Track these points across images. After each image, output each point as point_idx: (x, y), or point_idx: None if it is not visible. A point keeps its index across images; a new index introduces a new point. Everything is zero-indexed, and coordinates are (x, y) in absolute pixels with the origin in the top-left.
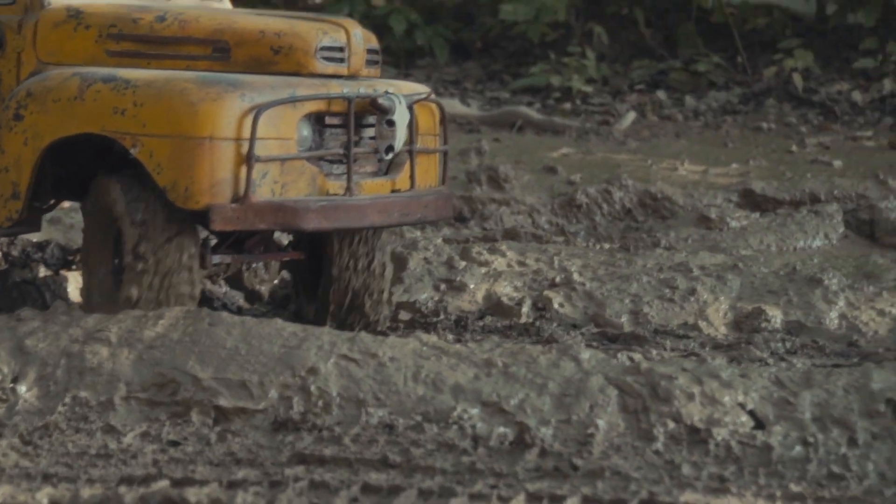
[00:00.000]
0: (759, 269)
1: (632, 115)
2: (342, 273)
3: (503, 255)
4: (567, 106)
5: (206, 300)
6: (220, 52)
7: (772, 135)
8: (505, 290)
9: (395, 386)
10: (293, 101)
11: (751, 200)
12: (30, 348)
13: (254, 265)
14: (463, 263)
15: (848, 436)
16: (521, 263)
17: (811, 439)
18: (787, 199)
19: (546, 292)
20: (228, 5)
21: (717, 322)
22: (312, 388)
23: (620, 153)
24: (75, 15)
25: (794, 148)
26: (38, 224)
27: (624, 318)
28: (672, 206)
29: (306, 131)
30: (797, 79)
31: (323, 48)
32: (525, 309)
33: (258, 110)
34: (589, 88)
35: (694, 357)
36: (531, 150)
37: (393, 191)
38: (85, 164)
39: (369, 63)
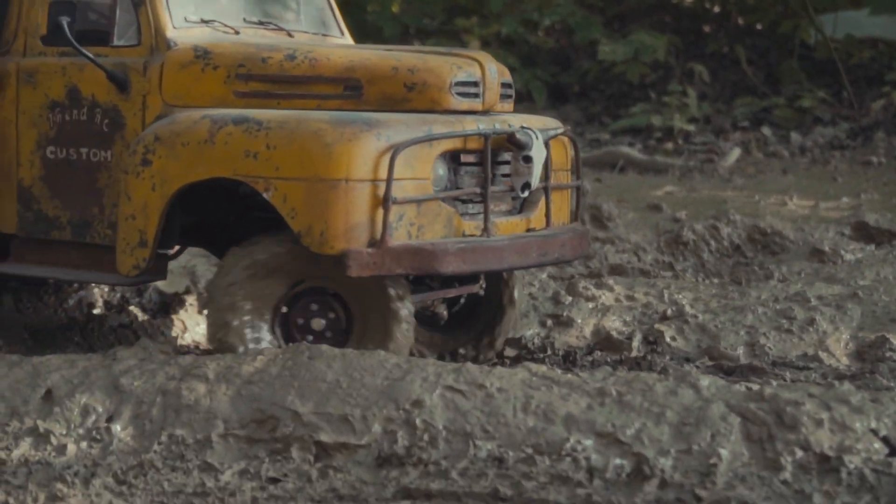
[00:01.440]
0: (879, 298)
1: (736, 152)
2: (505, 304)
3: (611, 289)
4: (669, 145)
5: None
6: (351, 90)
7: (882, 168)
8: (614, 324)
9: (504, 417)
10: (430, 139)
11: (864, 233)
12: (125, 386)
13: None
14: (569, 298)
15: None
16: (630, 297)
17: None
18: None
19: (657, 325)
20: (350, 41)
21: (839, 352)
22: (417, 421)
23: (726, 190)
24: (203, 55)
25: None
26: (164, 272)
27: (740, 351)
28: (783, 241)
29: (442, 170)
30: None
31: (457, 83)
32: (636, 343)
33: (395, 150)
34: (691, 127)
35: (823, 382)
36: (634, 189)
37: (528, 230)
38: (212, 209)
39: (503, 98)
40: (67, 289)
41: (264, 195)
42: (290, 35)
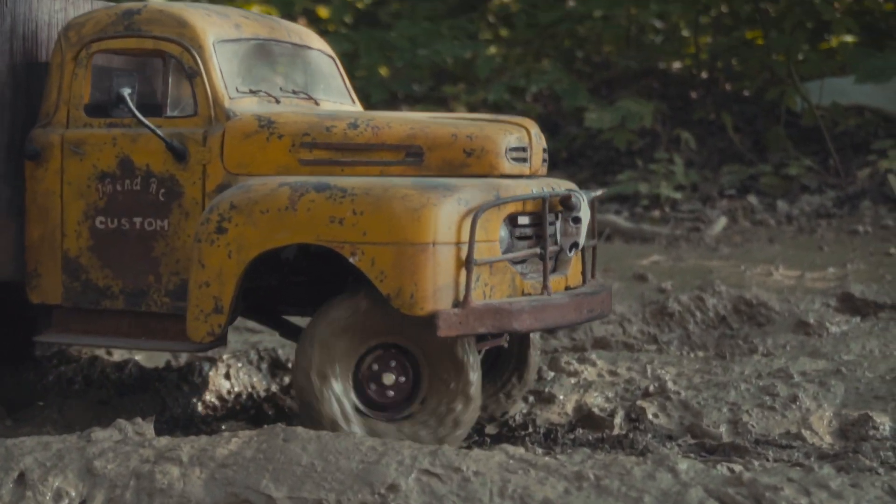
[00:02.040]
0: (863, 374)
1: (723, 221)
2: (529, 356)
3: (593, 364)
4: (656, 213)
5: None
6: (413, 156)
7: (869, 238)
8: (596, 400)
9: (481, 502)
10: (502, 202)
11: (850, 305)
12: (98, 469)
13: None
14: (552, 374)
15: None
16: (613, 373)
17: None
18: (889, 303)
19: (639, 402)
20: (360, 108)
21: (822, 430)
22: None
23: (712, 259)
24: (267, 125)
25: (892, 250)
26: (225, 339)
27: (722, 428)
28: (768, 312)
29: (504, 232)
30: (892, 180)
31: (511, 149)
32: (618, 420)
33: (476, 213)
34: (678, 195)
35: (799, 466)
36: (620, 257)
37: (566, 287)
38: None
39: (543, 161)
40: (48, 365)
41: (350, 259)
42: (317, 104)
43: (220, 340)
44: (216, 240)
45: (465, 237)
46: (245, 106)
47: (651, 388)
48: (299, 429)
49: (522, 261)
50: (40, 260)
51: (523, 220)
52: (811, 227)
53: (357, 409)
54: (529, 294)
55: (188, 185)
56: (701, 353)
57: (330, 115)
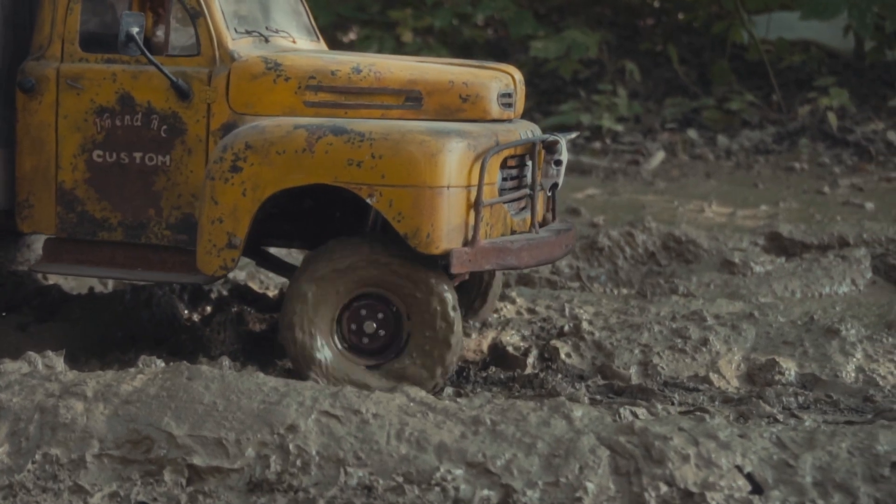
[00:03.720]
0: (775, 319)
1: (661, 155)
2: (493, 290)
3: (513, 301)
4: (597, 145)
5: None
6: (412, 100)
7: (804, 175)
8: (511, 339)
9: (378, 444)
10: (504, 147)
11: (777, 244)
12: (4, 402)
13: None
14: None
15: (850, 502)
16: (531, 311)
17: None
18: (815, 243)
19: (553, 342)
20: (324, 46)
21: (729, 374)
22: (291, 446)
23: (647, 194)
24: (274, 67)
25: (826, 189)
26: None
27: (633, 370)
28: (696, 250)
29: (499, 175)
30: (832, 118)
31: (501, 95)
32: (531, 359)
33: (485, 158)
34: (619, 127)
35: (694, 415)
36: None
37: (531, 227)
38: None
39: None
40: None
41: (368, 200)
42: (294, 42)
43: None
44: (230, 178)
45: (475, 181)
46: (244, 47)
47: (566, 328)
48: (203, 367)
49: (510, 201)
50: (32, 191)
51: (511, 163)
52: (749, 163)
53: (341, 353)
54: (516, 232)
55: (192, 123)
56: (625, 291)
57: (334, 60)
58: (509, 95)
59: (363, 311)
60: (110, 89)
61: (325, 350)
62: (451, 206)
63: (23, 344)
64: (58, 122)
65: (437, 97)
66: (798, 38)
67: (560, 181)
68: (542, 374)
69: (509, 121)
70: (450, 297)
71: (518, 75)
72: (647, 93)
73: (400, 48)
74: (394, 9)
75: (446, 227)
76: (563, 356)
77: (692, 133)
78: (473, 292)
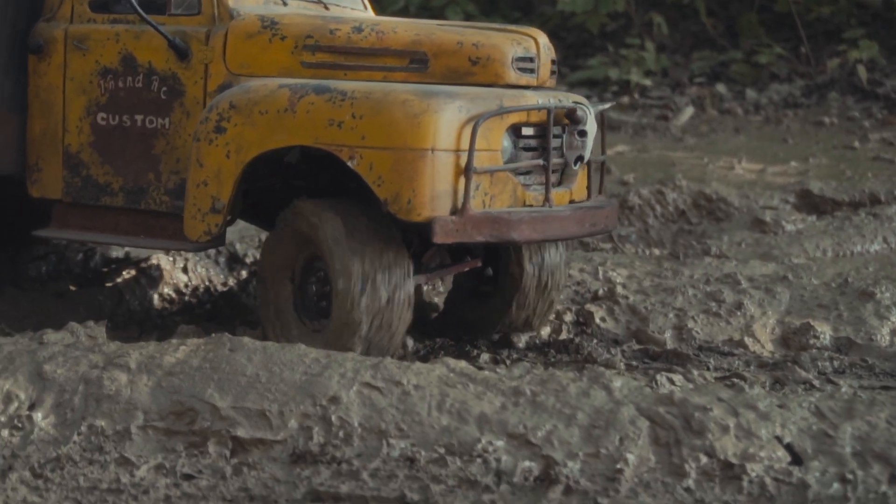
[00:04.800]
0: (809, 281)
1: (690, 111)
2: (529, 277)
3: None
4: (625, 99)
5: None
6: (417, 63)
7: (834, 130)
8: None
9: (419, 416)
10: (504, 112)
11: (808, 202)
12: (48, 374)
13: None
14: None
15: (889, 472)
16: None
17: (850, 476)
18: (846, 201)
19: (588, 306)
20: (371, 13)
21: (764, 338)
22: (333, 417)
23: (677, 150)
24: (270, 26)
25: (856, 144)
26: (223, 239)
27: (667, 334)
28: (727, 208)
29: (507, 143)
30: (861, 71)
31: (517, 59)
32: (566, 323)
33: (477, 121)
34: (648, 81)
35: (732, 384)
36: None
37: (571, 201)
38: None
39: (551, 73)
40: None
41: (348, 163)
42: (326, 7)
43: (219, 240)
44: (214, 139)
45: (466, 145)
46: (250, 6)
47: (600, 292)
48: (246, 339)
49: (527, 172)
50: (41, 155)
51: (528, 131)
52: (778, 118)
53: (295, 313)
54: (531, 206)
55: (190, 84)
56: (657, 251)
57: (335, 19)
58: (529, 60)
59: (316, 275)
60: (113, 50)
61: (284, 310)
62: (437, 170)
63: (62, 312)
64: (65, 85)
65: (443, 59)
66: None
67: (586, 153)
68: (577, 339)
69: (530, 87)
70: (356, 272)
71: (542, 39)
72: (675, 46)
73: (427, 3)
74: None
75: (430, 193)
76: (597, 320)
77: (721, 87)
78: (505, 291)
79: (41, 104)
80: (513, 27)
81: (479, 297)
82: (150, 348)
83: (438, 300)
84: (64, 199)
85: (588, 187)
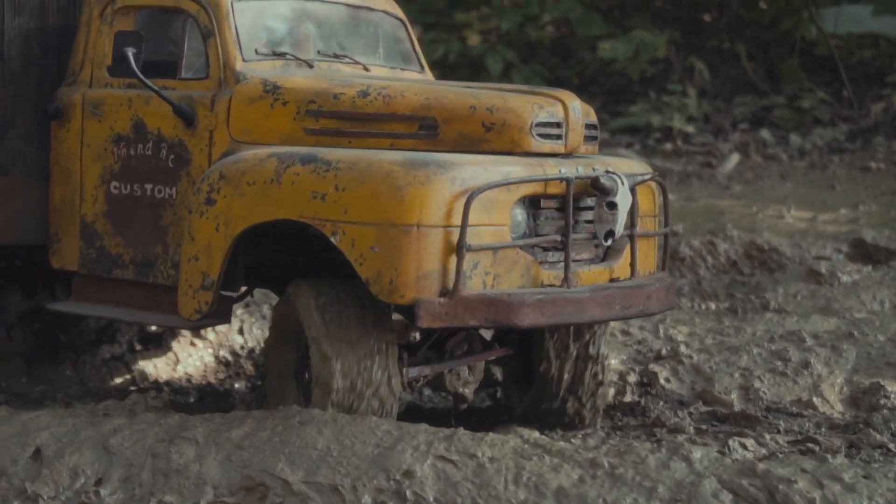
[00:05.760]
0: (874, 338)
1: (735, 158)
2: (555, 368)
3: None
4: (668, 146)
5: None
6: (427, 129)
7: (881, 175)
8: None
9: (495, 490)
10: (507, 183)
11: (862, 251)
12: (114, 448)
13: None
14: None
15: None
16: (625, 332)
17: None
18: None
19: (651, 366)
20: (430, 77)
21: (833, 398)
22: (408, 492)
23: (724, 198)
24: (272, 90)
25: None
26: (228, 315)
27: (734, 395)
28: (780, 258)
29: (520, 216)
30: None
31: (539, 124)
32: (630, 384)
33: (470, 195)
34: (690, 128)
35: (808, 449)
36: None
37: (611, 279)
38: (282, 250)
39: (587, 139)
40: (60, 319)
41: (331, 239)
42: (366, 69)
43: (217, 317)
44: (205, 211)
45: (458, 220)
46: (262, 70)
47: (663, 351)
48: (315, 411)
49: (553, 249)
50: (61, 224)
51: (548, 203)
52: (823, 163)
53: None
54: (552, 285)
55: (196, 152)
56: (713, 305)
57: (341, 82)
58: (555, 125)
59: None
60: (126, 116)
61: (287, 388)
62: (423, 248)
63: (118, 377)
64: (82, 152)
65: (455, 125)
66: (866, 32)
67: (618, 227)
68: (642, 402)
69: (556, 155)
70: (335, 368)
71: (573, 102)
72: (715, 91)
73: (466, 51)
74: (459, 11)
75: (415, 273)
76: (661, 381)
77: (764, 133)
78: (539, 383)
79: (61, 171)
80: (542, 89)
81: (523, 386)
82: (217, 420)
83: (467, 391)
84: (80, 271)
85: (632, 264)
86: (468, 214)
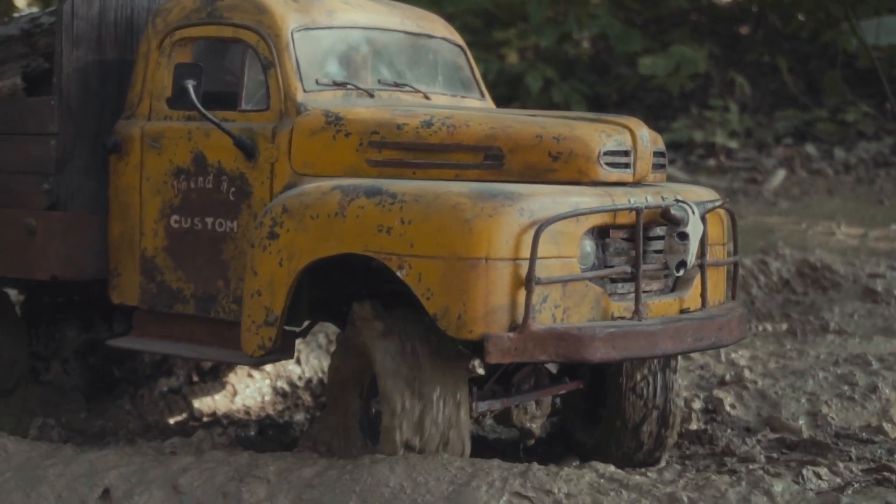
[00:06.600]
0: None
1: (781, 175)
2: (629, 402)
3: None
4: (711, 162)
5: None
6: (492, 159)
7: None
8: None
9: None
10: (576, 214)
11: None
12: (184, 487)
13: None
14: None
15: None
16: (687, 357)
17: None
18: None
19: (716, 392)
20: (491, 104)
21: None
22: None
23: (772, 215)
24: (334, 122)
25: None
26: (291, 350)
27: (801, 421)
28: (833, 277)
29: (589, 247)
30: None
31: (606, 153)
32: (695, 411)
33: (539, 227)
34: (733, 143)
35: (888, 481)
36: None
37: (682, 310)
38: (346, 284)
39: (656, 167)
40: (116, 353)
41: (397, 273)
42: (426, 97)
43: (283, 353)
44: (268, 246)
45: (527, 253)
46: (323, 100)
47: (727, 377)
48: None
49: (623, 280)
50: (120, 258)
51: (617, 233)
52: (870, 177)
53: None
54: (622, 317)
55: (257, 185)
56: (770, 327)
57: (404, 113)
58: (623, 153)
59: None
60: (186, 149)
61: (350, 428)
62: (491, 282)
63: (174, 413)
64: (142, 185)
65: (521, 155)
66: None
67: (689, 258)
68: (709, 429)
69: (624, 184)
70: (403, 405)
71: (641, 129)
72: (756, 105)
73: (505, 70)
74: (497, 29)
75: (483, 307)
76: (727, 407)
77: (810, 148)
78: (611, 417)
79: (120, 205)
80: (609, 116)
81: (592, 420)
82: (287, 460)
83: (535, 425)
84: (140, 306)
85: (703, 294)
86: (537, 247)
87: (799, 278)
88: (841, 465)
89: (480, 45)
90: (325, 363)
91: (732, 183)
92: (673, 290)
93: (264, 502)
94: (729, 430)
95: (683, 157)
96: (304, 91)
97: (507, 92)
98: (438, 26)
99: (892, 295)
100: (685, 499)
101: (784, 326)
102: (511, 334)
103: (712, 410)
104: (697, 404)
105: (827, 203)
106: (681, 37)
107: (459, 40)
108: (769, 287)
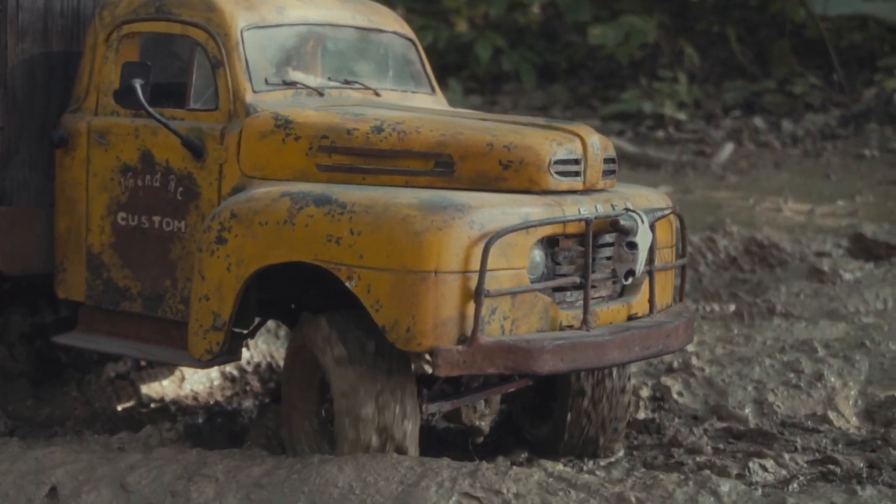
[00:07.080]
0: (887, 346)
1: (729, 148)
2: (582, 401)
3: None
4: (660, 134)
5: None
6: (443, 166)
7: (875, 163)
8: None
9: None
10: (526, 227)
11: (862, 246)
12: (132, 485)
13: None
14: None
15: None
16: None
17: None
18: None
19: (663, 379)
20: (441, 98)
21: (848, 412)
22: None
23: (720, 189)
24: (284, 125)
25: None
26: (238, 352)
27: (748, 410)
28: (780, 254)
29: (539, 257)
30: None
31: (557, 162)
32: (643, 399)
33: (489, 240)
34: (682, 115)
35: (833, 475)
36: None
37: (629, 316)
38: (293, 284)
39: (606, 174)
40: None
41: (347, 284)
42: (377, 94)
43: (231, 355)
44: (216, 250)
45: (477, 265)
46: (272, 101)
47: (675, 364)
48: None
49: (572, 288)
50: (66, 254)
51: (567, 242)
52: (817, 150)
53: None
54: (571, 326)
55: (205, 186)
56: (717, 307)
57: (354, 117)
58: (573, 162)
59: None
60: (133, 146)
61: (303, 431)
62: (441, 295)
63: (123, 400)
64: (88, 181)
65: (471, 163)
66: (856, 14)
67: (638, 267)
68: (657, 418)
69: (574, 192)
70: (357, 406)
71: (591, 137)
72: (705, 75)
73: (455, 39)
74: None
75: (432, 320)
76: (674, 395)
77: (758, 120)
78: (561, 412)
79: (66, 200)
80: (560, 123)
81: (539, 415)
82: (236, 458)
83: (484, 423)
84: (87, 302)
85: (650, 300)
86: (487, 260)
87: (746, 256)
88: (787, 456)
89: (430, 13)
90: (274, 348)
91: (681, 156)
92: (621, 295)
93: (213, 502)
94: (676, 419)
95: (633, 128)
96: (254, 92)
97: (456, 60)
98: (390, 20)
99: (838, 274)
100: (633, 499)
101: (731, 308)
102: (460, 347)
103: (660, 398)
104: (645, 392)
105: (774, 177)
106: (631, 5)
107: (411, 34)
108: (717, 265)
